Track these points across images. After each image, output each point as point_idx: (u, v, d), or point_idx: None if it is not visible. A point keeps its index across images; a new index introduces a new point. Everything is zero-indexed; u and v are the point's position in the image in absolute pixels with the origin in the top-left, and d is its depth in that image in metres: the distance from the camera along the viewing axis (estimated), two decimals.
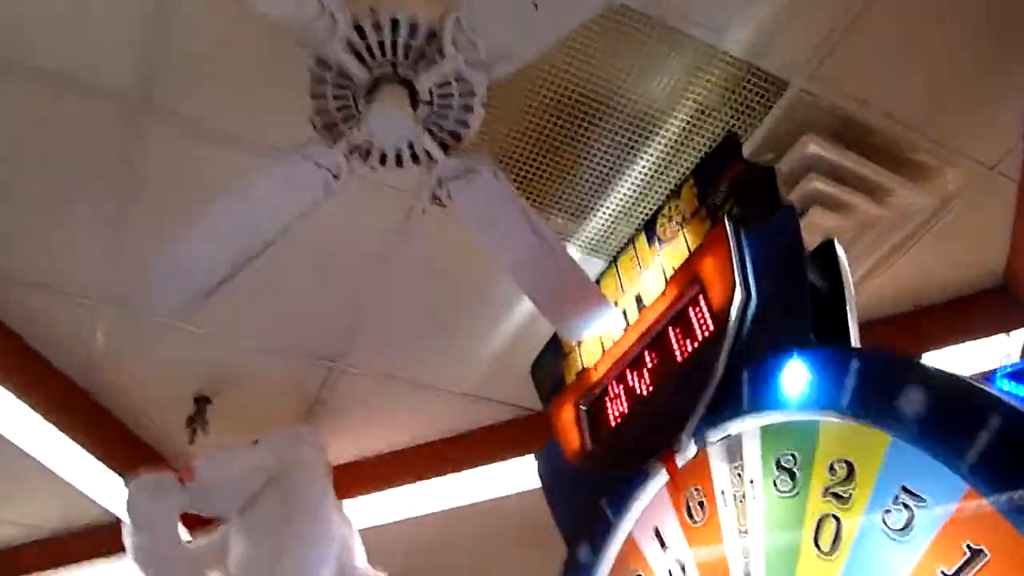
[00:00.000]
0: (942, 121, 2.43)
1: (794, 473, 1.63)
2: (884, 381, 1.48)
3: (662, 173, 2.50)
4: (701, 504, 1.84)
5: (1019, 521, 1.22)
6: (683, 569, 1.82)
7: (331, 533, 2.30)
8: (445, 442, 3.17)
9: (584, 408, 2.25)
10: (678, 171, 2.43)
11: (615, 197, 2.56)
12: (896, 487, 1.44)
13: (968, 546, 1.31)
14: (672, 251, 2.15)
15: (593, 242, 2.66)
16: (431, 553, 3.46)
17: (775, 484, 1.66)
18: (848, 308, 1.84)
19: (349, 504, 3.07)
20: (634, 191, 2.53)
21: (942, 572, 1.33)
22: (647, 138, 2.40)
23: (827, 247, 1.94)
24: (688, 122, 2.37)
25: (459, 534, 3.40)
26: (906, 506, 1.42)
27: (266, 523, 2.33)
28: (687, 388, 1.91)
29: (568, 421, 2.27)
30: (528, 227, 2.04)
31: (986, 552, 1.29)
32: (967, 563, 1.30)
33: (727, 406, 1.81)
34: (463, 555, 3.47)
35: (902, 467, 1.44)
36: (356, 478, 3.20)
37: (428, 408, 3.08)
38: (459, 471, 3.19)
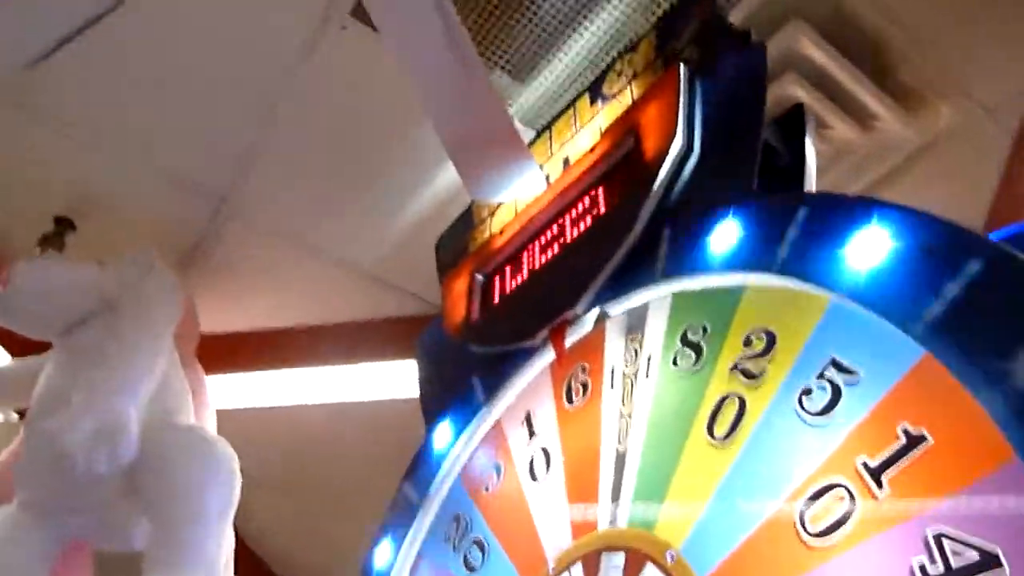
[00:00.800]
0: (950, 43, 2.11)
1: (700, 347, 1.31)
2: (835, 227, 1.12)
3: (620, 36, 2.13)
4: (584, 385, 1.53)
5: (987, 393, 0.85)
6: (547, 457, 1.48)
7: (151, 373, 1.87)
8: (338, 328, 2.80)
9: (479, 277, 1.91)
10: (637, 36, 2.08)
11: (565, 58, 2.24)
12: (824, 360, 1.12)
13: (905, 430, 0.96)
14: (615, 107, 1.81)
15: (533, 110, 2.33)
16: (305, 450, 3.09)
17: (675, 360, 1.36)
18: (807, 182, 1.54)
19: (220, 379, 2.72)
20: (587, 53, 2.20)
21: (863, 463, 0.98)
22: None
23: (794, 115, 1.65)
24: None
25: (339, 433, 3.06)
26: (832, 384, 1.09)
27: (84, 352, 1.93)
28: (596, 251, 1.59)
29: (459, 292, 1.95)
30: (444, 38, 1.67)
31: (928, 437, 0.94)
32: (900, 452, 0.94)
33: (639, 272, 1.50)
34: (342, 457, 3.13)
35: (836, 335, 1.12)
36: (231, 351, 2.81)
37: (323, 282, 2.75)
38: (350, 363, 2.87)
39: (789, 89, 2.17)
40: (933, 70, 2.16)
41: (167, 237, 2.60)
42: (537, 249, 1.80)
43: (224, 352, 2.82)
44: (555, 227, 1.79)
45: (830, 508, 0.98)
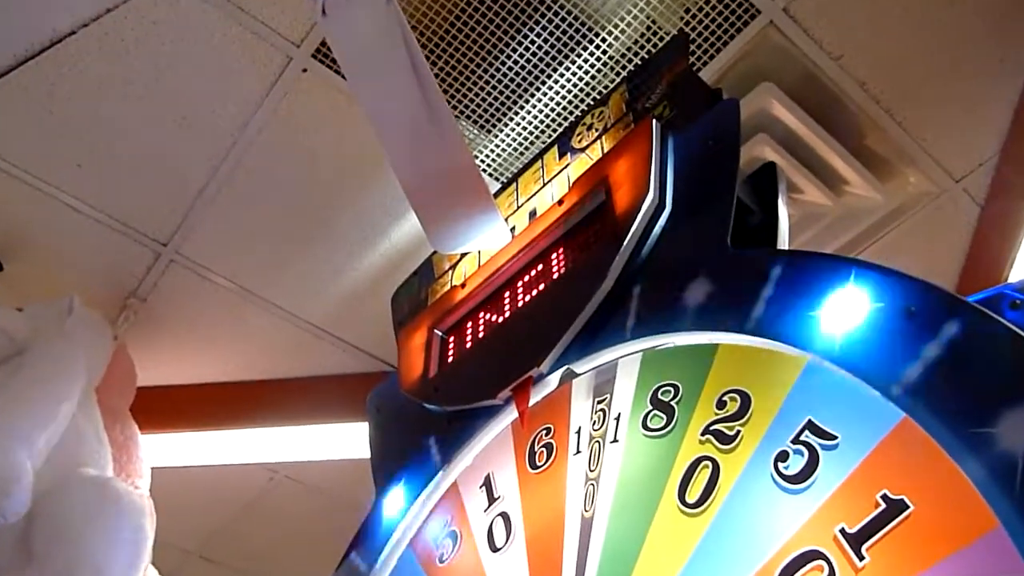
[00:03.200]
0: (917, 110, 2.20)
1: (672, 409, 1.30)
2: (811, 286, 1.13)
3: (590, 90, 2.18)
4: (548, 447, 1.50)
5: (969, 459, 0.85)
6: (508, 525, 1.44)
7: (53, 422, 1.80)
8: (285, 384, 2.74)
9: (438, 332, 1.89)
10: (608, 89, 2.13)
11: (533, 110, 2.27)
12: (799, 423, 1.11)
13: (885, 496, 0.96)
14: (584, 160, 1.85)
15: (500, 162, 2.36)
16: (245, 515, 3.00)
17: (645, 422, 1.34)
18: (780, 241, 1.59)
19: (156, 436, 2.64)
20: (556, 105, 2.22)
21: (842, 530, 0.97)
22: (583, 47, 2.14)
23: (766, 172, 1.72)
24: (633, 38, 2.08)
25: (282, 496, 2.99)
26: (808, 447, 1.08)
27: None
28: (563, 307, 1.59)
29: (416, 348, 1.93)
30: (413, 78, 1.68)
31: (909, 503, 0.93)
32: (881, 520, 0.93)
33: (608, 329, 1.50)
34: (285, 523, 3.04)
35: (813, 396, 1.11)
36: (170, 405, 2.74)
37: (270, 337, 2.70)
38: (296, 422, 2.80)
39: (760, 150, 2.23)
40: (902, 137, 2.24)
41: (103, 283, 2.54)
42: (501, 303, 1.80)
43: (162, 407, 2.75)
44: (520, 281, 1.79)
45: None
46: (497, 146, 2.34)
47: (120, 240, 2.47)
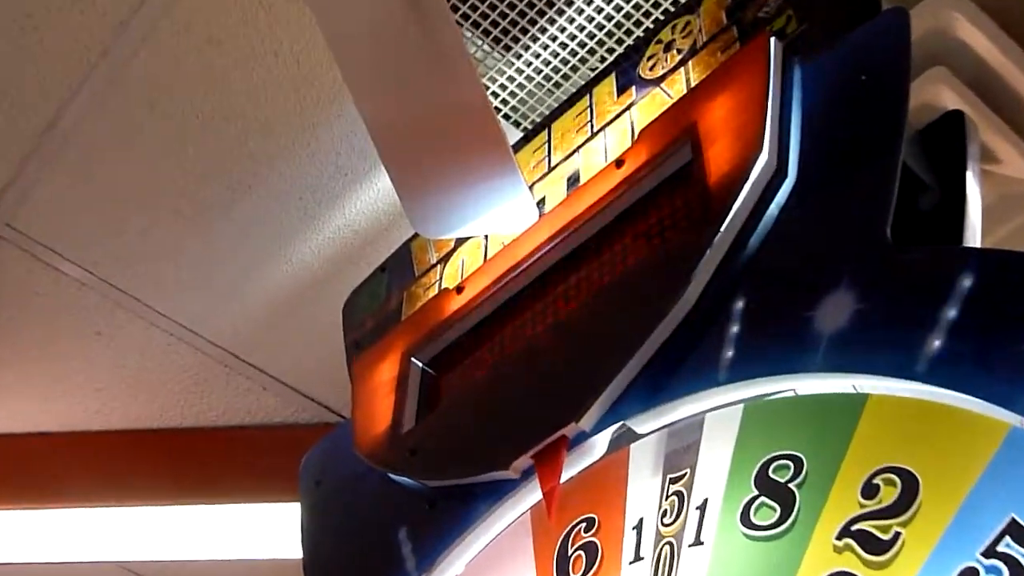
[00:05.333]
0: None
1: (791, 495, 1.33)
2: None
3: None
4: (590, 550, 1.52)
5: None
6: None
7: None
8: (161, 438, 2.77)
9: (419, 362, 1.92)
10: None
11: (576, 18, 2.29)
12: (998, 524, 1.12)
13: None
14: (659, 98, 1.88)
15: (520, 96, 2.35)
16: None
17: (747, 515, 1.36)
18: (966, 235, 1.59)
19: None
20: (611, 11, 2.25)
21: None
22: None
23: (946, 126, 1.76)
24: None
25: None
26: (1011, 563, 1.10)
27: None
28: (619, 329, 1.62)
29: (382, 384, 1.96)
30: None
31: None
32: None
33: (690, 365, 1.53)
34: None
35: (1020, 483, 1.12)
36: None
37: (142, 356, 2.74)
38: (187, 501, 2.86)
39: (936, 93, 2.22)
40: None
41: None
42: (520, 321, 1.82)
43: None
44: (552, 286, 1.81)
45: None
46: (520, 71, 2.36)
47: None
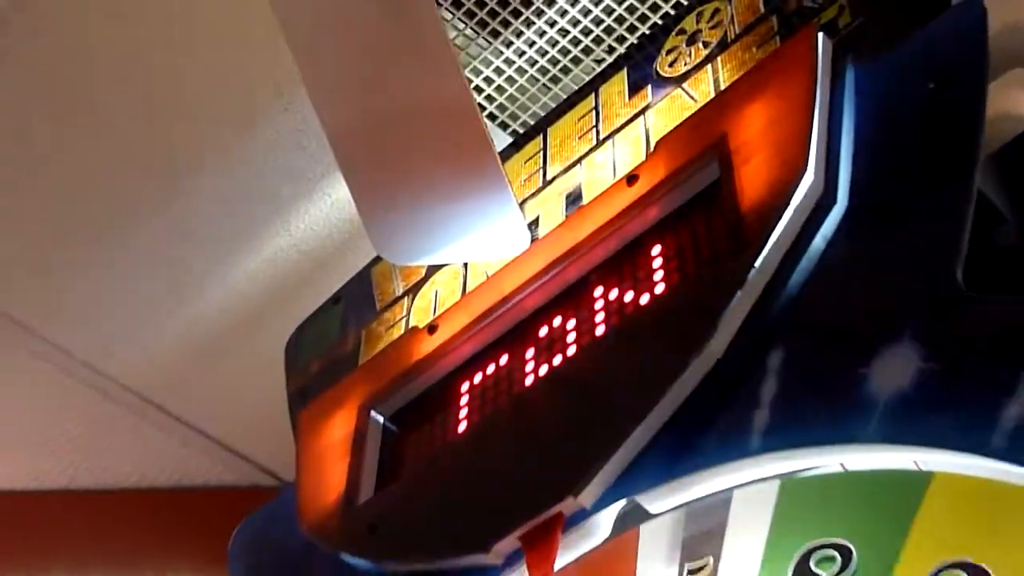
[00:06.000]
0: None
1: None
2: None
3: None
4: None
5: None
6: None
7: None
8: (54, 501, 2.76)
9: (380, 417, 1.94)
10: None
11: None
12: None
13: None
14: (681, 101, 1.91)
15: (510, 92, 2.38)
16: None
17: None
18: None
19: None
20: None
21: None
22: None
23: None
24: None
25: None
26: None
27: None
28: (629, 382, 1.65)
29: (334, 444, 1.97)
30: None
31: None
32: None
33: (716, 430, 1.55)
34: None
35: None
36: None
37: (32, 399, 2.71)
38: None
39: (1014, 100, 2.27)
40: None
41: None
42: (505, 370, 1.85)
43: None
44: (545, 327, 1.84)
45: None
46: (510, 62, 2.40)
47: None
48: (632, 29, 2.28)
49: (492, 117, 2.36)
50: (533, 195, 2.00)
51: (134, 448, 2.76)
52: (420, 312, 2.03)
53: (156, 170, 2.51)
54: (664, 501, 1.57)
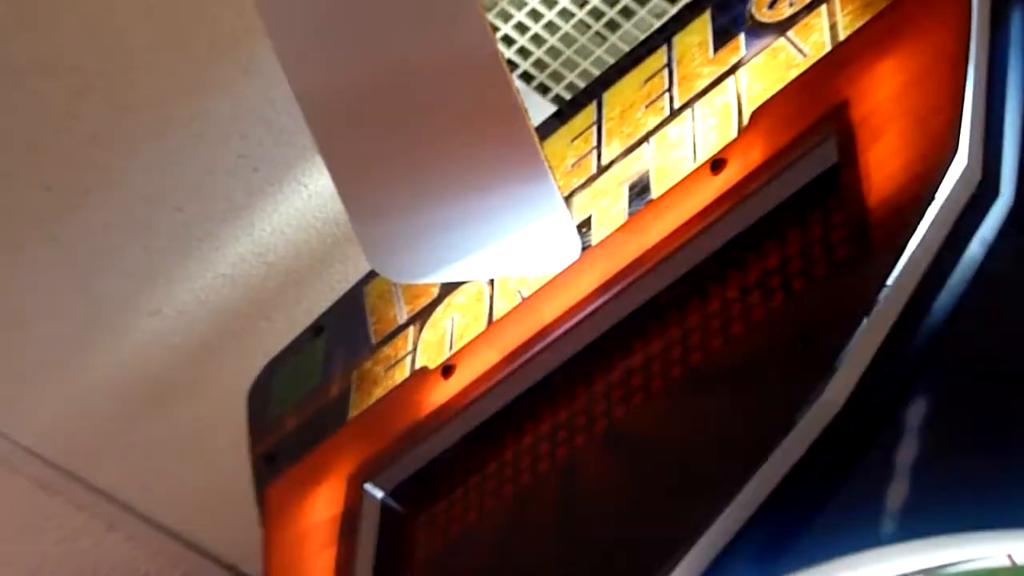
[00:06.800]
0: None
1: None
2: None
3: None
4: None
5: None
6: None
7: None
8: None
9: (379, 492, 1.95)
10: None
11: None
12: None
13: None
14: (786, 56, 1.89)
15: (551, 50, 2.39)
16: None
17: None
18: None
19: None
20: None
21: None
22: None
23: None
24: None
25: None
26: None
27: None
28: (717, 443, 1.66)
29: (315, 527, 1.99)
30: None
31: None
32: None
33: (835, 511, 1.55)
34: None
35: None
36: None
37: None
38: None
39: None
40: None
41: None
42: (547, 428, 1.85)
43: None
44: (603, 371, 1.83)
45: None
46: (550, 3, 2.40)
47: None
48: None
49: (527, 77, 2.34)
50: (584, 186, 2.00)
51: (47, 534, 2.79)
52: (431, 347, 2.03)
53: (75, 158, 2.51)
54: None
